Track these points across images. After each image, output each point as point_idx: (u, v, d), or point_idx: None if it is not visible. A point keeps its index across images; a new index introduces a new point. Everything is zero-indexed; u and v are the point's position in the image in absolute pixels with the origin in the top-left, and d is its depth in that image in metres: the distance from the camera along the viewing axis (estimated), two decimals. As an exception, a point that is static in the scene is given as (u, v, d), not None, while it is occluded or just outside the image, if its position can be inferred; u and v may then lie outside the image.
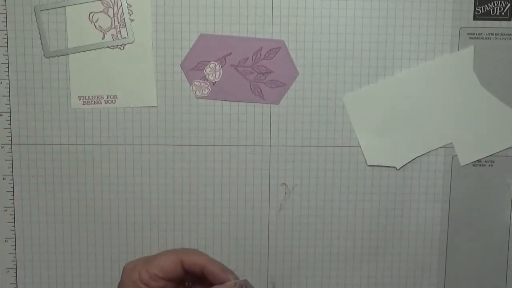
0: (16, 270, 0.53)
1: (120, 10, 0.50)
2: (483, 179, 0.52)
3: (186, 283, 0.48)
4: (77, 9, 0.50)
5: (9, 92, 0.51)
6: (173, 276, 0.46)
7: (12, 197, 0.52)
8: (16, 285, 0.53)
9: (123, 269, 0.47)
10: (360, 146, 0.52)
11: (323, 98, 0.51)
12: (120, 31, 0.50)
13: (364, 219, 0.53)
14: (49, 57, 0.51)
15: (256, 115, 0.52)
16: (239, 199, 0.52)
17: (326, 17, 0.50)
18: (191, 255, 0.47)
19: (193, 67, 0.51)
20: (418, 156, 0.52)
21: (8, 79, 0.51)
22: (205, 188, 0.52)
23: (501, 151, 0.52)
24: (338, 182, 0.52)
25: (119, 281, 0.47)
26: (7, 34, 0.50)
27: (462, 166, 0.52)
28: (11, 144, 0.51)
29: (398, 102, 0.51)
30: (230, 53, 0.51)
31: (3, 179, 0.52)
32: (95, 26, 0.50)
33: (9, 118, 0.51)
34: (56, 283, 0.53)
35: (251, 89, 0.51)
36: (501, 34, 0.51)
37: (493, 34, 0.51)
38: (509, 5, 0.51)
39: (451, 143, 0.52)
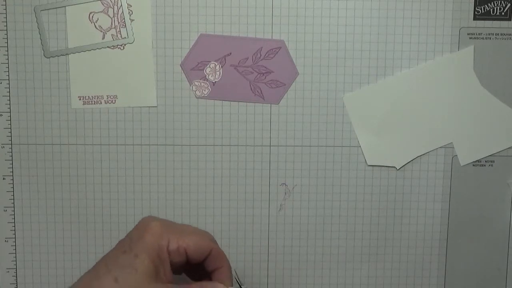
0: (16, 270, 0.53)
1: (120, 10, 0.50)
2: (483, 179, 0.52)
3: None
4: (77, 9, 0.50)
5: (9, 92, 0.51)
6: (195, 258, 0.43)
7: (12, 197, 0.52)
8: (16, 285, 0.53)
9: (145, 226, 0.42)
10: (360, 146, 0.52)
11: (323, 98, 0.51)
12: (120, 31, 0.50)
13: (364, 219, 0.53)
14: (49, 57, 0.51)
15: (256, 115, 0.52)
16: (239, 199, 0.52)
17: (326, 17, 0.50)
18: (219, 249, 0.44)
19: (193, 67, 0.51)
20: (418, 156, 0.52)
21: (8, 79, 0.51)
22: (205, 188, 0.52)
23: (501, 151, 0.52)
24: (338, 182, 0.52)
25: (131, 233, 0.42)
26: (7, 34, 0.50)
27: (462, 166, 0.52)
28: (11, 144, 0.51)
29: (398, 102, 0.52)
30: (230, 53, 0.51)
31: (3, 179, 0.52)
32: (95, 26, 0.50)
33: (9, 118, 0.51)
34: (56, 283, 0.53)
35: (251, 89, 0.51)
36: (501, 34, 0.51)
37: (493, 34, 0.51)
38: (509, 5, 0.51)
39: (451, 143, 0.52)
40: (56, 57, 0.51)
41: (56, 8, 0.50)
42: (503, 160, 0.52)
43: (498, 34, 0.51)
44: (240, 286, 0.46)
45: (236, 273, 0.48)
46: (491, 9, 0.51)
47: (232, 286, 0.44)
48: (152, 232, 0.41)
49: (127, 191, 0.52)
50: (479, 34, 0.51)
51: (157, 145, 0.52)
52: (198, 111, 0.51)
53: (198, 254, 0.43)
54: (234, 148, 0.52)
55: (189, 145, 0.52)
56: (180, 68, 0.51)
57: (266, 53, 0.51)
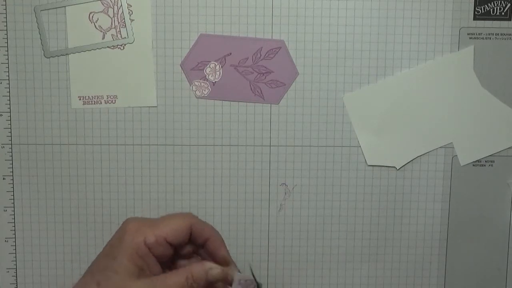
0: (16, 270, 0.53)
1: (120, 10, 0.50)
2: (483, 179, 0.52)
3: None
4: (77, 9, 0.50)
5: (9, 92, 0.51)
6: (179, 242, 0.43)
7: (12, 197, 0.52)
8: (16, 285, 0.53)
9: (124, 227, 0.43)
10: (360, 146, 0.52)
11: (323, 98, 0.51)
12: (120, 31, 0.50)
13: (364, 219, 0.53)
14: (49, 57, 0.51)
15: (256, 115, 0.52)
16: (239, 199, 0.52)
17: (326, 17, 0.50)
18: (200, 222, 0.44)
19: (193, 67, 0.51)
20: (418, 156, 0.52)
21: (8, 79, 0.51)
22: (205, 188, 0.52)
23: (501, 151, 0.52)
24: (338, 182, 0.52)
25: (113, 236, 0.43)
26: (7, 34, 0.50)
27: (462, 166, 0.52)
28: (11, 144, 0.51)
29: (398, 102, 0.52)
30: (230, 53, 0.51)
31: (3, 179, 0.52)
32: (95, 26, 0.50)
33: (9, 118, 0.51)
34: (56, 283, 0.53)
35: (251, 89, 0.51)
36: (501, 34, 0.51)
37: (493, 34, 0.51)
38: (509, 5, 0.51)
39: (451, 143, 0.52)
40: (56, 57, 0.51)
41: (56, 8, 0.50)
42: (503, 160, 0.52)
43: (498, 34, 0.51)
44: (256, 280, 0.46)
45: (251, 268, 0.48)
46: (491, 9, 0.51)
47: (226, 251, 0.44)
48: (128, 232, 0.42)
49: (127, 191, 0.52)
50: (479, 34, 0.51)
51: (157, 145, 0.52)
52: (198, 111, 0.51)
53: (180, 237, 0.43)
54: (234, 148, 0.52)
55: (189, 145, 0.52)
56: (180, 68, 0.51)
57: (266, 53, 0.51)
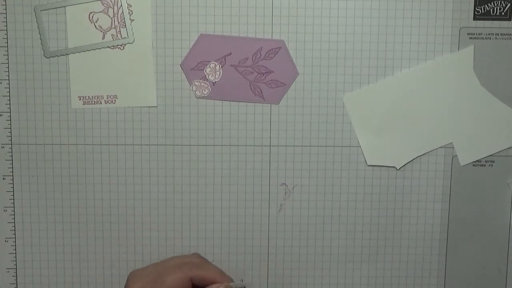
0: (16, 270, 0.53)
1: (120, 10, 0.50)
2: (483, 179, 0.52)
3: None
4: (77, 9, 0.50)
5: (9, 92, 0.51)
6: None
7: (12, 197, 0.52)
8: (16, 285, 0.53)
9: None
10: (360, 146, 0.52)
11: (323, 98, 0.51)
12: (120, 31, 0.50)
13: (364, 219, 0.53)
14: (49, 57, 0.51)
15: (256, 115, 0.52)
16: (239, 199, 0.52)
17: (326, 17, 0.50)
18: (198, 270, 0.46)
19: (193, 67, 0.51)
20: (418, 156, 0.52)
21: (8, 79, 0.51)
22: (205, 188, 0.52)
23: (501, 151, 0.52)
24: (338, 182, 0.52)
25: None
26: (7, 34, 0.50)
27: (462, 166, 0.52)
28: (11, 144, 0.51)
29: (398, 102, 0.52)
30: (230, 53, 0.51)
31: (3, 179, 0.52)
32: (95, 26, 0.50)
33: (9, 118, 0.51)
34: (56, 283, 0.53)
35: (251, 89, 0.51)
36: (501, 34, 0.51)
37: (493, 34, 0.51)
38: (509, 5, 0.51)
39: (451, 143, 0.52)
40: (56, 57, 0.51)
41: (56, 8, 0.50)
42: (503, 160, 0.52)
43: (498, 34, 0.51)
44: None
45: (243, 280, 0.49)
46: (491, 9, 0.51)
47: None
48: None
49: (127, 191, 0.52)
50: (479, 34, 0.51)
51: (157, 145, 0.52)
52: (198, 111, 0.51)
53: None
54: (234, 148, 0.52)
55: (189, 145, 0.52)
56: (180, 68, 0.51)
57: (266, 53, 0.51)
